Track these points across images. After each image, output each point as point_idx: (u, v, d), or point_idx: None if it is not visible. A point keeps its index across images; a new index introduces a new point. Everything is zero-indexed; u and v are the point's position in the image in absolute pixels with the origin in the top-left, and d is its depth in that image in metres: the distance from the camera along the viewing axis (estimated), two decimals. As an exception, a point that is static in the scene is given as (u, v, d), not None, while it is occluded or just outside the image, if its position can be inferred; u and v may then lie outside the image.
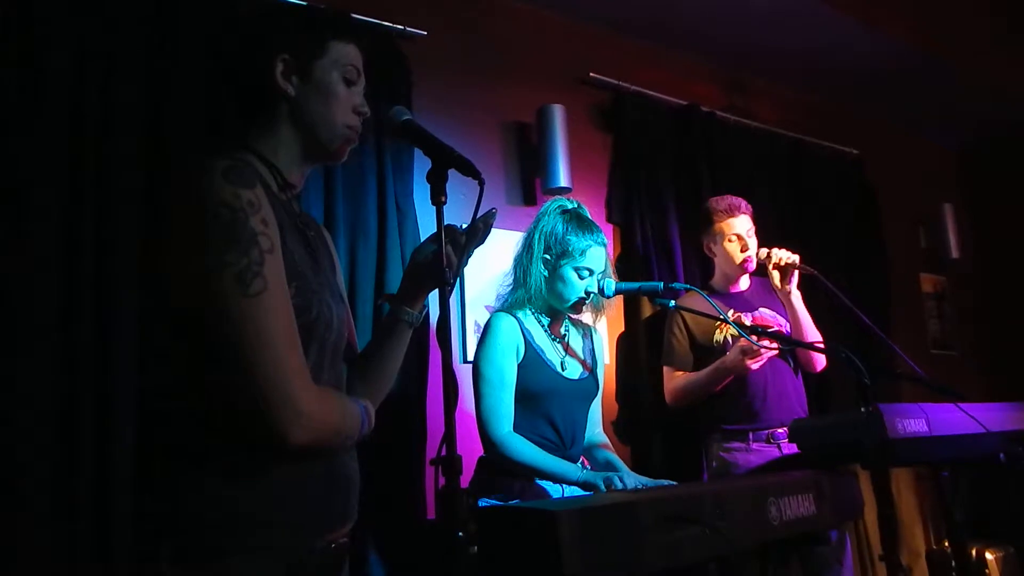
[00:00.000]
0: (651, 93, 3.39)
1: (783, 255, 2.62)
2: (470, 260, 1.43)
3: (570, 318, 2.23)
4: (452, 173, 1.21)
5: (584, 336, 2.26)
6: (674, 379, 2.73)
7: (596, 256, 2.10)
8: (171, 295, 1.09)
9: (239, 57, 1.26)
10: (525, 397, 2.04)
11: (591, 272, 2.10)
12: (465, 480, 1.08)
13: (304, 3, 2.32)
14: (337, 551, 1.20)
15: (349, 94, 1.27)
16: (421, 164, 2.60)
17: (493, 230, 1.36)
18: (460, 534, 1.02)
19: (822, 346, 2.62)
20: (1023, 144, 4.89)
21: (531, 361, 2.07)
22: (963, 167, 5.23)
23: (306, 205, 2.33)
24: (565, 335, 2.19)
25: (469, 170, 1.21)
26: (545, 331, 2.14)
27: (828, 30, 3.62)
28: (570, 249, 2.08)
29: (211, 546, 1.07)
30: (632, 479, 1.91)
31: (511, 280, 2.19)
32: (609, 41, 3.44)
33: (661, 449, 2.98)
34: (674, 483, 1.95)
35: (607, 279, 2.18)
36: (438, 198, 1.19)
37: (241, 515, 1.08)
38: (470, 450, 2.08)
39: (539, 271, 2.10)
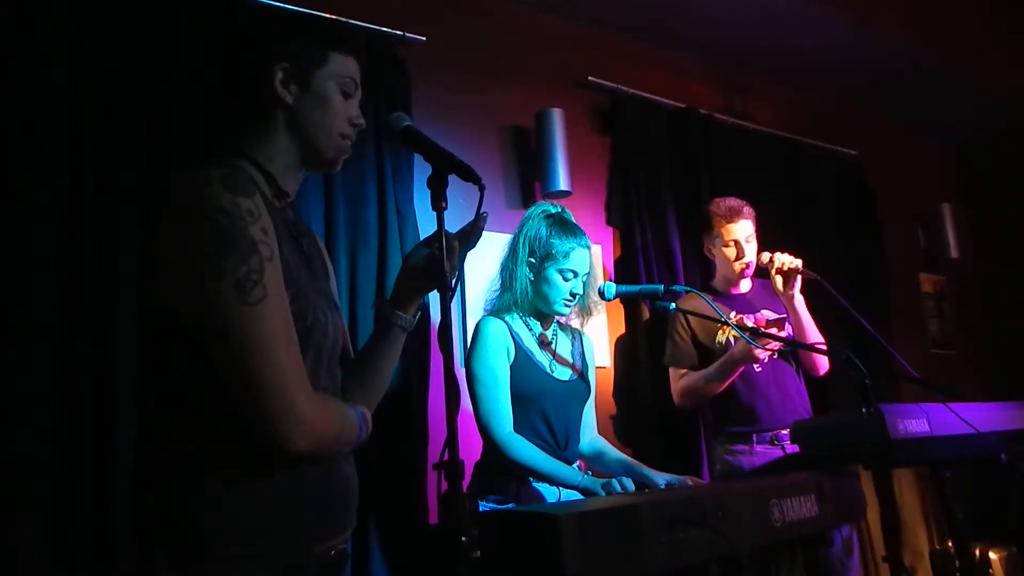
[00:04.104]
0: (649, 96, 3.39)
1: (786, 260, 2.60)
2: (465, 264, 1.44)
3: (559, 321, 2.24)
4: (452, 178, 1.22)
5: (573, 339, 2.27)
6: (682, 378, 2.72)
7: (580, 258, 2.12)
8: (170, 301, 1.09)
9: (239, 63, 1.27)
10: (517, 399, 2.05)
11: (576, 274, 2.12)
12: (463, 484, 1.09)
13: (306, 12, 2.33)
14: (336, 557, 1.20)
15: (346, 105, 1.28)
16: (421, 168, 2.60)
17: (495, 234, 1.37)
18: (463, 538, 1.02)
19: (824, 348, 2.62)
20: (1022, 144, 4.89)
21: (521, 363, 2.08)
22: (962, 167, 5.23)
23: (307, 210, 2.34)
24: (553, 338, 2.20)
25: (469, 175, 1.21)
26: (533, 334, 2.15)
27: (826, 31, 3.63)
28: (554, 252, 2.10)
29: (209, 552, 1.07)
30: (659, 478, 1.97)
31: (498, 285, 2.21)
32: (607, 44, 3.45)
33: (661, 449, 2.98)
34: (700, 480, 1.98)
35: (607, 282, 2.20)
36: (438, 203, 1.19)
37: (240, 521, 1.08)
38: (472, 454, 2.09)
39: (524, 274, 2.12)
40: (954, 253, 4.56)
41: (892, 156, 4.58)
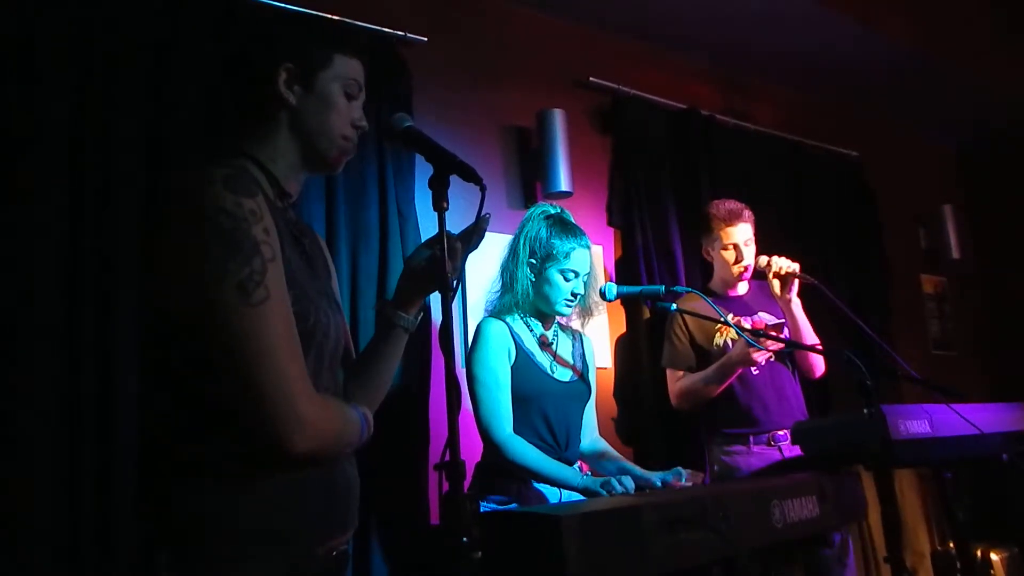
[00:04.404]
0: (650, 96, 3.39)
1: (783, 264, 2.60)
2: (467, 264, 1.44)
3: (559, 322, 2.24)
4: (454, 179, 1.22)
5: (574, 340, 2.27)
6: (679, 380, 2.73)
7: (581, 258, 2.13)
8: (171, 302, 1.09)
9: (243, 62, 1.27)
10: (518, 400, 2.05)
11: (576, 274, 2.13)
12: (464, 484, 1.09)
13: (308, 12, 2.33)
14: (338, 558, 1.20)
15: (349, 107, 1.28)
16: (422, 169, 2.60)
17: (496, 235, 1.37)
18: (464, 539, 1.02)
19: (824, 349, 2.62)
20: (1022, 143, 4.89)
21: (522, 364, 2.09)
22: (963, 167, 5.23)
23: (308, 211, 2.34)
24: (554, 339, 2.20)
25: (470, 176, 1.21)
26: (534, 335, 2.16)
27: (827, 31, 3.63)
28: (555, 252, 2.11)
29: (210, 554, 1.07)
30: (655, 477, 1.95)
31: (499, 286, 2.21)
32: (608, 45, 3.45)
33: (663, 450, 2.98)
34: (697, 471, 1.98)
35: (608, 283, 2.21)
36: (440, 204, 1.19)
37: (241, 522, 1.08)
38: (473, 455, 2.09)
39: (525, 275, 2.13)
40: (955, 254, 4.56)
41: (892, 156, 4.58)
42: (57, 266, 1.93)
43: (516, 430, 2.02)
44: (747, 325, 2.61)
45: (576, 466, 2.14)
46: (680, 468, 2.00)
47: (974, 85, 4.29)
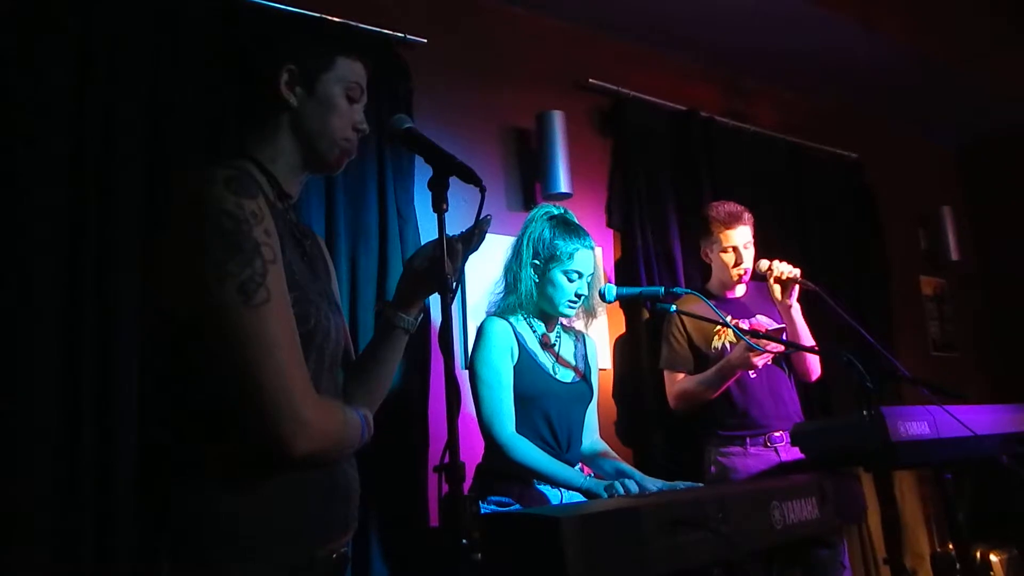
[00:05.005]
0: (650, 98, 3.39)
1: (784, 269, 2.60)
2: (467, 265, 1.43)
3: (562, 324, 2.24)
4: (453, 180, 1.22)
5: (576, 341, 2.27)
6: (677, 382, 2.73)
7: (584, 259, 2.13)
8: (172, 303, 1.10)
9: (244, 63, 1.27)
10: (520, 400, 2.05)
11: (580, 275, 2.12)
12: (464, 487, 1.09)
13: (308, 14, 2.33)
14: (338, 560, 1.20)
15: (350, 110, 1.28)
16: (422, 170, 2.61)
17: (495, 236, 1.37)
18: (464, 541, 1.02)
19: (824, 351, 2.62)
20: (1023, 145, 4.89)
21: (525, 364, 2.08)
22: (963, 168, 5.23)
23: (308, 212, 2.34)
24: (556, 340, 2.20)
25: (470, 177, 1.21)
26: (536, 335, 2.15)
27: (827, 33, 3.63)
28: (558, 253, 2.11)
29: (210, 555, 1.07)
30: (651, 483, 1.94)
31: (502, 287, 2.21)
32: (608, 46, 3.45)
33: (662, 451, 2.98)
34: (694, 484, 1.97)
35: (608, 284, 2.21)
36: (440, 205, 1.19)
37: (241, 524, 1.08)
38: (473, 456, 2.09)
39: (529, 276, 2.13)
40: (955, 255, 4.57)
41: (893, 157, 4.58)
42: (57, 266, 1.93)
43: (517, 430, 2.02)
44: (745, 327, 2.61)
45: (577, 467, 2.13)
46: (680, 484, 1.99)
47: (974, 86, 4.29)
